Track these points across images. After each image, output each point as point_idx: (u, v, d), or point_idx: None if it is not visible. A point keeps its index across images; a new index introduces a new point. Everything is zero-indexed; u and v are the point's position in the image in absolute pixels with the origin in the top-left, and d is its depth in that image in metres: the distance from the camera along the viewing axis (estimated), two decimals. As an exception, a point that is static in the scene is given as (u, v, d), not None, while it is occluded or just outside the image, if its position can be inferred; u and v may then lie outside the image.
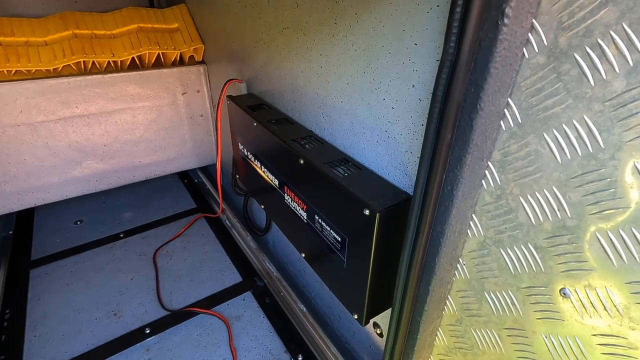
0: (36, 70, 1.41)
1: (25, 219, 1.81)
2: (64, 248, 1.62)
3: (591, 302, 0.48)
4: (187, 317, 1.30)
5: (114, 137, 1.65)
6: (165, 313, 1.32)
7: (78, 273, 1.49)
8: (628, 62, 0.38)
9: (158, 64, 1.66)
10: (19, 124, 1.43)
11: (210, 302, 1.37)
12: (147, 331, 1.24)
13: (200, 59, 1.74)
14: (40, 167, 1.54)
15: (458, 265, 0.65)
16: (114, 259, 1.57)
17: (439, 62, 0.52)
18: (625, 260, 0.43)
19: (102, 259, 1.56)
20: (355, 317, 0.84)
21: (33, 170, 1.53)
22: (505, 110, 0.50)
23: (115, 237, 1.69)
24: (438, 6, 0.56)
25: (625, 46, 0.38)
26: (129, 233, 1.72)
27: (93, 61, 1.49)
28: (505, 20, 0.41)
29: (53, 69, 1.43)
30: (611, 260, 0.44)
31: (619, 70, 0.39)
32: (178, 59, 1.68)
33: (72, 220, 1.80)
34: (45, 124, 1.49)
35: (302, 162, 0.88)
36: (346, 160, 0.87)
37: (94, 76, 1.50)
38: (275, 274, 1.42)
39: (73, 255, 1.58)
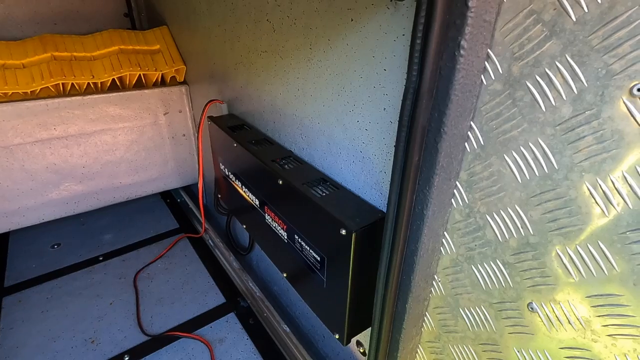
0: (13, 92, 1.39)
1: (-1, 243, 1.75)
2: (39, 273, 1.57)
3: (557, 316, 0.50)
4: (169, 342, 1.27)
5: (93, 158, 1.63)
6: (145, 338, 1.28)
7: (54, 299, 1.44)
8: (573, 90, 0.41)
9: (139, 85, 1.66)
10: (-6, 147, 1.41)
11: (192, 325, 1.34)
12: (126, 358, 1.21)
13: (182, 80, 1.75)
14: (16, 191, 1.50)
15: (433, 282, 0.67)
16: (93, 283, 1.52)
17: (405, 87, 0.55)
18: (584, 275, 0.45)
19: (80, 284, 1.52)
20: (337, 336, 0.84)
21: (8, 194, 1.49)
22: (469, 133, 0.53)
23: (94, 261, 1.65)
24: (404, 35, 0.59)
25: (570, 76, 0.41)
26: (109, 256, 1.69)
27: (72, 83, 1.49)
28: (462, 52, 0.44)
29: (30, 92, 1.42)
30: (571, 275, 0.46)
31: (566, 97, 0.42)
32: (160, 79, 1.69)
33: (49, 244, 1.75)
34: (22, 146, 1.46)
35: (281, 182, 0.89)
36: (324, 180, 0.88)
37: (73, 98, 1.49)
38: (258, 294, 1.40)
39: (49, 281, 1.53)
